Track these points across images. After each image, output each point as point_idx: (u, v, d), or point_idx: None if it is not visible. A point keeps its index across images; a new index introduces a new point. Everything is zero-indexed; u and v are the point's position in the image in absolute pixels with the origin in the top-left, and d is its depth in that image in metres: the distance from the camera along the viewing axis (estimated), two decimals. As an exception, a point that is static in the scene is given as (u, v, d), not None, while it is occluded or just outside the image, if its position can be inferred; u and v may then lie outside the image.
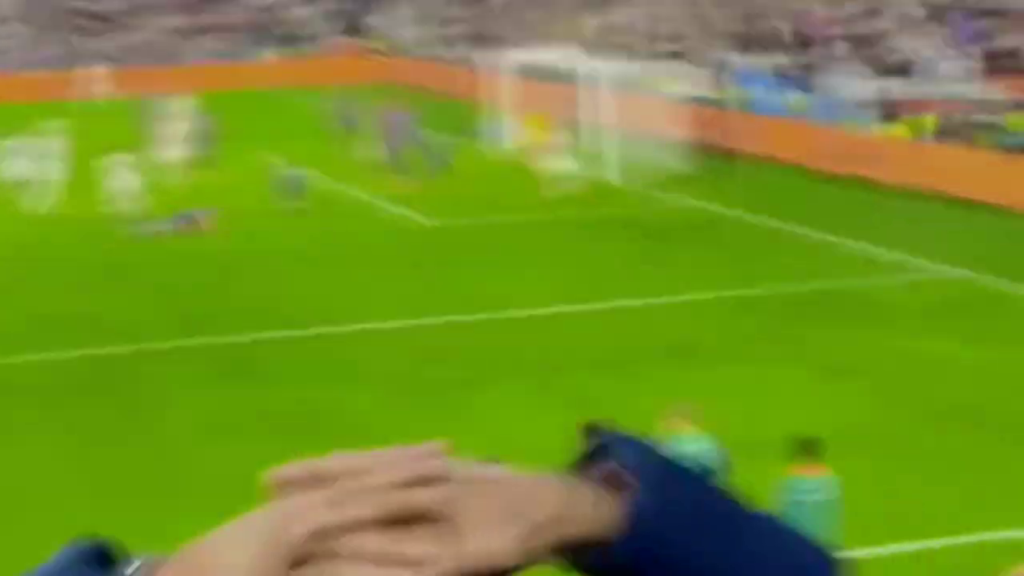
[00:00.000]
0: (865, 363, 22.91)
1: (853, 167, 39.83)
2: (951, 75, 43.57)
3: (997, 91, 41.79)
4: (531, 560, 1.46)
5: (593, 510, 1.48)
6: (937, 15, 48.99)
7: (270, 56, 74.87)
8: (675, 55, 54.08)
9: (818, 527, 13.63)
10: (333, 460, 1.50)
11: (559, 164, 37.90)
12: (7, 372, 24.10)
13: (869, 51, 48.28)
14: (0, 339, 26.05)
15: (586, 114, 45.70)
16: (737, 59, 51.01)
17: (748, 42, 52.90)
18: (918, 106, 41.31)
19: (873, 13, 51.50)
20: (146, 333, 26.06)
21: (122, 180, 36.35)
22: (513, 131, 47.39)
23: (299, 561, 1.41)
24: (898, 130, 40.92)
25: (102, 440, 20.57)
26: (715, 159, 42.08)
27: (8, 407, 22.26)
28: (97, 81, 66.53)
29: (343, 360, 23.97)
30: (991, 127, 38.61)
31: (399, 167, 41.21)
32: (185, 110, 47.30)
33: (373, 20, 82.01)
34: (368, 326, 26.07)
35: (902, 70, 45.31)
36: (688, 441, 15.11)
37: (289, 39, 79.53)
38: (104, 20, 79.64)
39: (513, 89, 49.96)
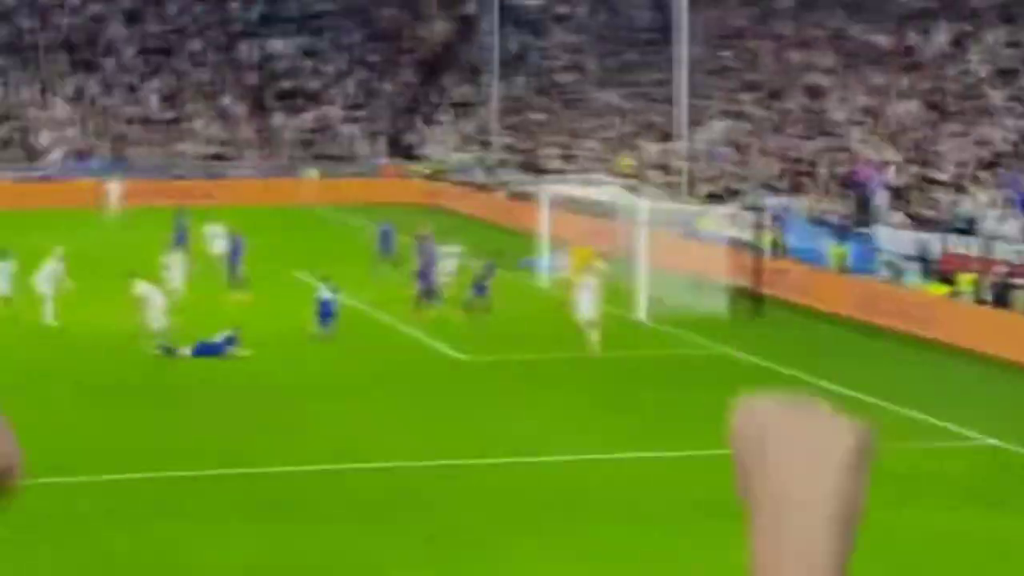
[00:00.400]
0: (881, 534, 22.67)
1: (889, 321, 39.73)
2: (1001, 233, 43.40)
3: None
4: None
5: None
6: (990, 169, 49.00)
7: (312, 174, 75.33)
8: (716, 196, 54.23)
9: None
10: None
11: (584, 312, 37.26)
12: (30, 492, 24.02)
13: (913, 203, 48.29)
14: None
15: (623, 250, 45.81)
16: (778, 203, 51.09)
17: (791, 187, 53.02)
18: (960, 263, 41.25)
19: (923, 164, 51.59)
20: (170, 461, 26.01)
21: (150, 299, 36.29)
22: (552, 263, 47.50)
23: None
24: (936, 287, 40.84)
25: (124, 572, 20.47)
26: (750, 304, 42.00)
27: (24, 530, 22.17)
28: (113, 194, 66.35)
29: (368, 500, 23.84)
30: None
31: (432, 296, 41.23)
32: (217, 232, 47.51)
33: (418, 141, 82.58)
34: (394, 464, 25.97)
35: (949, 224, 45.24)
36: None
37: (333, 158, 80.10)
38: (148, 125, 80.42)
39: (553, 221, 50.15)
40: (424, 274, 41.55)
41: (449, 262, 42.10)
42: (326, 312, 37.39)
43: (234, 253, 44.43)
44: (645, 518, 22.90)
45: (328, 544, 21.57)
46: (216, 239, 47.44)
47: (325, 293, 37.59)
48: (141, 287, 36.33)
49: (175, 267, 41.43)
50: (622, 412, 30.15)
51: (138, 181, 74.32)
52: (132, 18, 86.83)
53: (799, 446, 1.78)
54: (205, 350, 34.93)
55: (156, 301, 36.01)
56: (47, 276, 38.82)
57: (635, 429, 28.73)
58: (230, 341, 35.22)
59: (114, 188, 66.73)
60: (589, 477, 25.29)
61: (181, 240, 49.24)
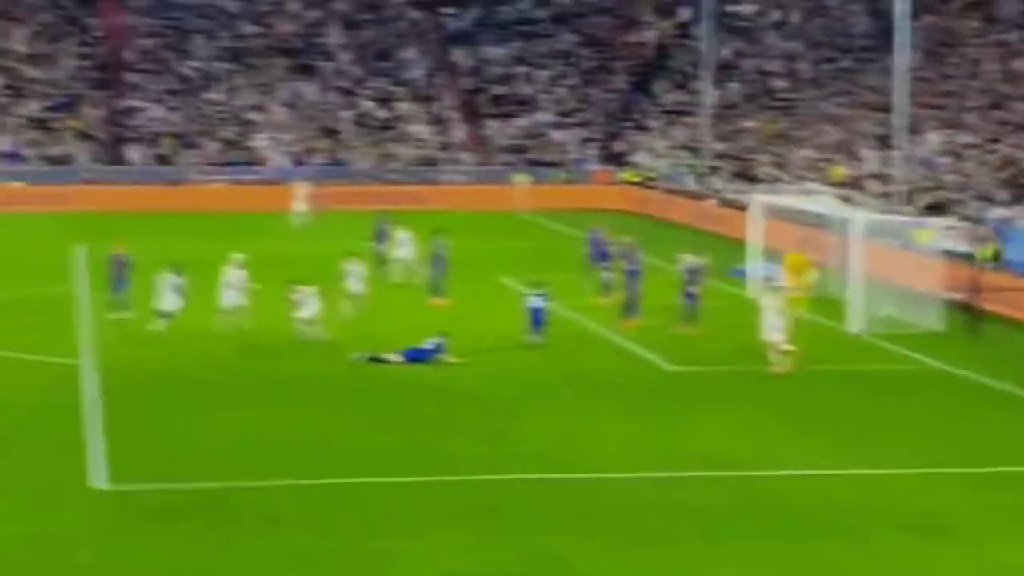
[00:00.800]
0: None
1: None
2: None
3: None
4: None
5: None
6: None
7: (523, 179, 75.51)
8: (934, 208, 53.10)
9: None
10: None
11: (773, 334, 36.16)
12: (233, 496, 24.29)
13: None
14: (226, 462, 26.32)
15: (836, 261, 45.05)
16: (999, 215, 49.85)
17: (1013, 198, 51.69)
18: None
19: None
20: (377, 465, 26.12)
21: (303, 304, 36.66)
22: (765, 272, 46.90)
23: None
24: None
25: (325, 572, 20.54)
26: (967, 319, 40.97)
27: (233, 532, 22.39)
28: (300, 197, 66.32)
29: (576, 510, 23.65)
30: None
31: (632, 306, 40.86)
32: (405, 239, 47.41)
33: (629, 148, 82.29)
34: (602, 475, 25.76)
35: None
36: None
37: (544, 163, 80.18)
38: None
39: (765, 230, 49.50)
40: (629, 284, 41.15)
41: (696, 275, 40.43)
42: (536, 319, 37.34)
43: (436, 258, 44.37)
44: (853, 535, 22.38)
45: (532, 554, 21.42)
46: (403, 245, 47.28)
47: (536, 301, 37.50)
48: (298, 292, 36.68)
49: (354, 273, 40.69)
50: (832, 427, 29.58)
51: (352, 185, 75.35)
52: (349, 24, 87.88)
53: None
54: (415, 356, 35.06)
55: (310, 307, 36.21)
56: (230, 283, 38.20)
57: (845, 444, 28.14)
58: (439, 348, 35.31)
59: (301, 191, 66.65)
60: (797, 493, 24.80)
61: (381, 243, 49.28)
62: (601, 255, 47.03)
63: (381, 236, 49.83)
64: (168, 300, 36.89)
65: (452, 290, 44.10)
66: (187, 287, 37.39)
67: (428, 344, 35.42)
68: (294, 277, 38.68)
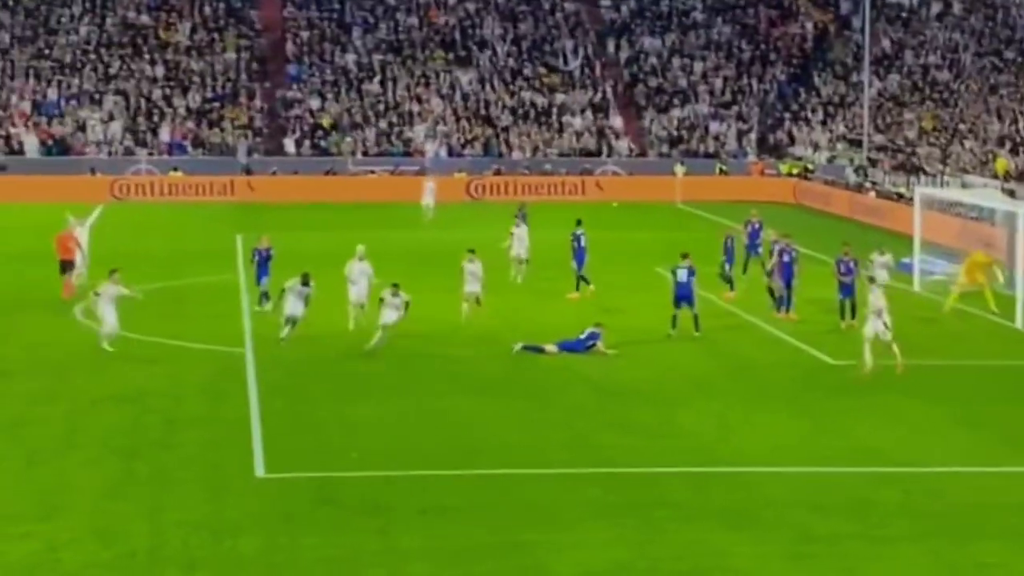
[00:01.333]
0: None
1: None
2: None
3: None
4: None
5: None
6: None
7: (680, 170, 75.17)
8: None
9: None
10: None
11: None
12: (383, 485, 24.41)
13: None
14: (374, 455, 26.44)
15: (1002, 256, 44.26)
16: None
17: None
18: None
19: None
20: (534, 457, 26.08)
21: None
22: (930, 267, 46.20)
23: None
24: None
25: (474, 563, 20.53)
26: None
27: (389, 521, 22.47)
28: (427, 190, 65.17)
29: (735, 504, 23.42)
30: None
31: (779, 300, 40.29)
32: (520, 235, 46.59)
33: (787, 139, 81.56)
34: (762, 469, 25.49)
35: None
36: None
37: (702, 154, 79.76)
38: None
39: (932, 224, 48.76)
40: (783, 276, 40.50)
41: (880, 273, 39.06)
42: (681, 295, 36.82)
43: (579, 251, 43.91)
44: (1017, 535, 21.92)
45: (690, 548, 21.25)
46: (519, 240, 46.30)
47: (681, 274, 36.96)
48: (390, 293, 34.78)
49: (471, 272, 38.76)
50: (998, 424, 29.02)
51: (510, 176, 75.54)
52: (506, 16, 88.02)
53: None
54: (571, 347, 35.02)
55: (391, 313, 34.48)
56: (356, 275, 37.01)
57: (1011, 442, 27.59)
58: (593, 337, 35.22)
59: (428, 185, 65.78)
60: (961, 490, 24.35)
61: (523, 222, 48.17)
62: (758, 246, 46.61)
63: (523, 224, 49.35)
64: (293, 306, 35.11)
65: (607, 280, 43.95)
66: (313, 295, 35.45)
67: (583, 335, 35.35)
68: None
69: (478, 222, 59.19)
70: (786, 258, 40.63)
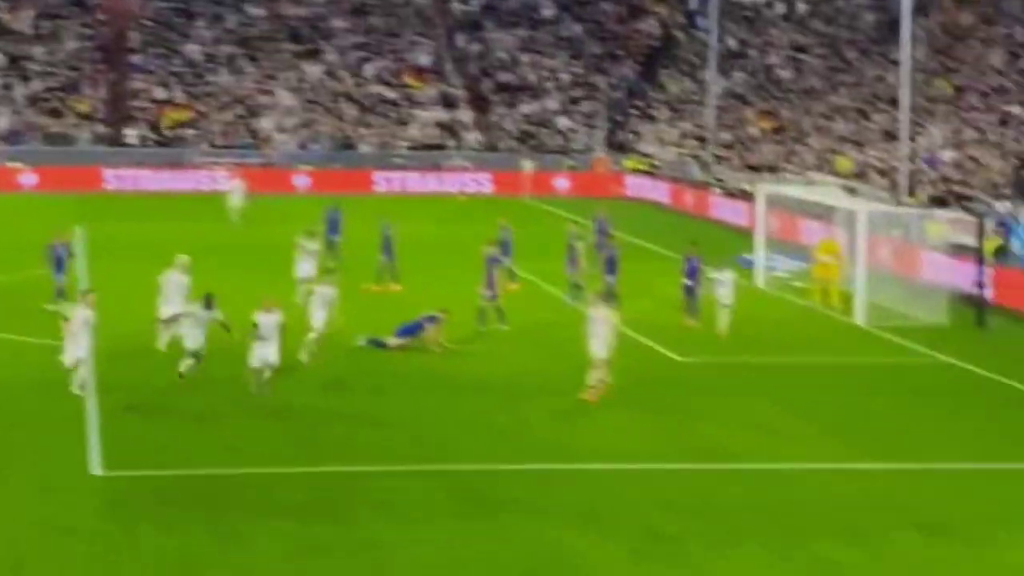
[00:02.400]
0: None
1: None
2: None
3: None
4: None
5: None
6: None
7: (528, 166, 75.27)
8: (939, 200, 52.83)
9: None
10: None
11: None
12: (225, 483, 24.11)
13: None
14: (215, 451, 26.10)
15: (843, 253, 44.80)
16: (1005, 208, 49.58)
17: (1019, 192, 51.41)
18: None
19: None
20: (377, 454, 25.88)
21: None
22: (772, 262, 46.68)
23: None
24: None
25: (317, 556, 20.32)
26: (973, 312, 40.71)
27: (227, 521, 22.17)
28: (233, 184, 62.27)
29: (581, 502, 23.38)
30: None
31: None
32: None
33: (634, 136, 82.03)
34: (608, 466, 25.50)
35: None
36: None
37: (550, 151, 79.92)
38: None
39: (771, 221, 49.26)
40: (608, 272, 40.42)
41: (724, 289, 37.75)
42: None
43: (386, 245, 43.47)
44: (857, 532, 22.12)
45: (532, 546, 21.17)
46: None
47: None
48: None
49: (307, 256, 39.05)
50: (838, 420, 29.32)
51: (358, 169, 75.16)
52: (355, 9, 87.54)
53: None
54: (405, 331, 34.74)
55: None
56: (164, 290, 33.55)
57: (851, 438, 27.89)
58: (431, 320, 34.92)
59: (236, 182, 62.19)
60: (803, 487, 24.54)
61: (334, 232, 47.27)
62: (604, 242, 46.78)
63: (333, 224, 47.64)
64: (193, 337, 30.10)
65: (452, 276, 43.83)
66: (218, 320, 30.94)
67: (419, 318, 35.07)
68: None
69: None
70: (609, 253, 40.90)
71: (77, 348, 28.94)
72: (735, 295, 37.39)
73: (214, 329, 30.45)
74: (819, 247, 44.17)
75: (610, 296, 37.91)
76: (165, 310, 33.37)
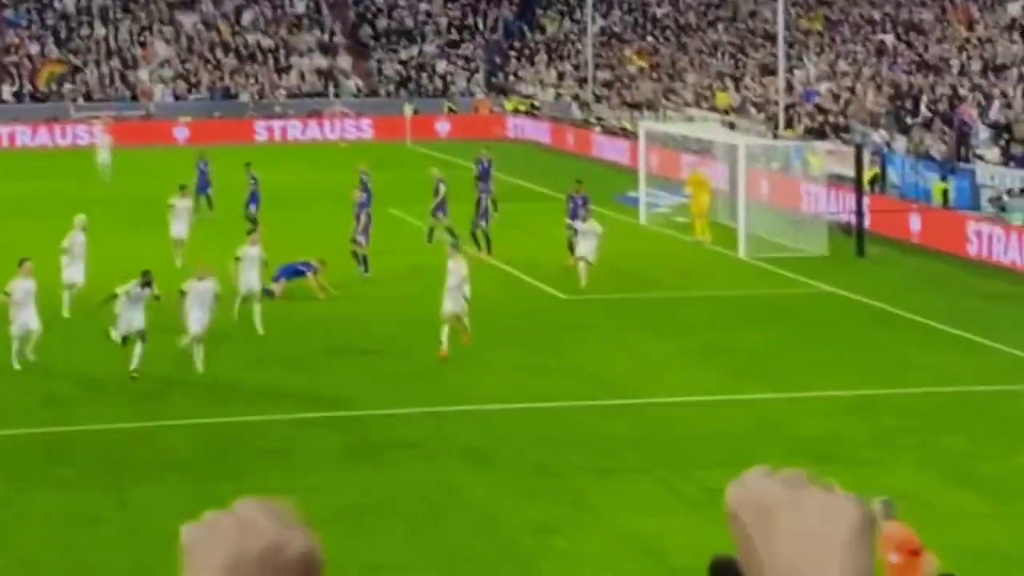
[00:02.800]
0: (992, 481, 22.18)
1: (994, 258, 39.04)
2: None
3: None
4: None
5: None
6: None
7: (408, 110, 75.16)
8: (816, 131, 53.47)
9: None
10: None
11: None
12: (116, 438, 24.10)
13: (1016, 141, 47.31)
14: (106, 407, 26.06)
15: (721, 187, 45.31)
16: (880, 139, 50.29)
17: (897, 123, 52.11)
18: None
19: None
20: (267, 404, 25.96)
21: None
22: (653, 199, 47.09)
23: None
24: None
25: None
26: (852, 242, 41.34)
27: (119, 478, 22.21)
28: (100, 137, 61.06)
29: (468, 442, 23.66)
30: None
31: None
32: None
33: (513, 78, 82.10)
34: (494, 406, 25.76)
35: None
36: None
37: (429, 95, 79.83)
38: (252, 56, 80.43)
39: (652, 158, 49.66)
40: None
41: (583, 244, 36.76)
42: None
43: (253, 195, 42.95)
44: (743, 460, 22.37)
45: (423, 487, 21.39)
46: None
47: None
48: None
49: (180, 214, 38.16)
50: (723, 352, 29.77)
51: (236, 119, 74.70)
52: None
53: (805, 525, 1.88)
54: (285, 272, 34.54)
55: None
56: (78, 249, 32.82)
57: (736, 370, 28.35)
58: (306, 266, 34.90)
59: (104, 138, 60.82)
60: (689, 420, 24.96)
61: (204, 187, 46.60)
62: (484, 185, 46.87)
63: (202, 179, 46.94)
64: (129, 318, 27.38)
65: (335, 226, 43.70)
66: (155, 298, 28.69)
67: (298, 261, 34.98)
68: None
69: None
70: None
71: (27, 319, 27.78)
72: (597, 250, 35.61)
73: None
74: (688, 181, 44.59)
75: (472, 240, 38.18)
76: (70, 272, 32.31)
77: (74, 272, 32.38)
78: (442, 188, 41.73)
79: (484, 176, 47.00)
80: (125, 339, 27.14)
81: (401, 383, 27.37)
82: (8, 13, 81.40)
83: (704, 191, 43.15)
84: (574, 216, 38.74)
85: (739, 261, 40.15)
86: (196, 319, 27.37)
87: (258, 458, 22.86)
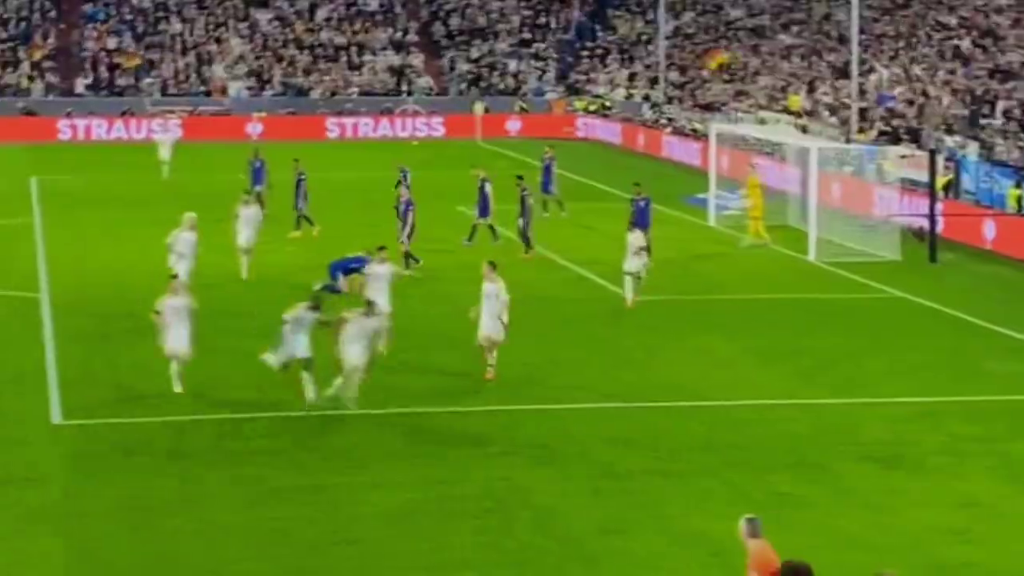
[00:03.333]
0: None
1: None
2: None
3: None
4: None
5: None
6: None
7: (479, 108, 75.21)
8: (887, 135, 53.09)
9: None
10: None
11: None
12: (185, 430, 24.22)
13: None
14: (175, 399, 26.17)
15: (794, 190, 45.09)
16: (955, 144, 49.88)
17: (971, 128, 51.67)
18: None
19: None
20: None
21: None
22: (723, 201, 46.88)
23: None
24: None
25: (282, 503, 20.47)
26: (925, 248, 41.00)
27: (187, 468, 22.32)
28: (162, 136, 60.64)
29: (537, 441, 23.60)
30: None
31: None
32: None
33: (585, 78, 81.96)
34: (562, 406, 25.71)
35: None
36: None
37: (501, 93, 79.82)
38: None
39: (724, 160, 49.46)
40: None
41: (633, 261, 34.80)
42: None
43: (298, 188, 42.64)
44: (813, 465, 22.41)
45: (490, 485, 21.33)
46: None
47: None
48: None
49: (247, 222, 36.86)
50: (791, 355, 29.60)
51: (311, 115, 74.98)
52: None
53: None
54: (340, 267, 34.28)
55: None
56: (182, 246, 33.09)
57: (805, 374, 28.19)
58: (359, 261, 34.17)
59: (168, 135, 60.95)
60: (758, 423, 24.80)
61: (258, 181, 45.81)
62: (551, 184, 46.85)
63: (257, 174, 46.12)
64: (294, 343, 25.23)
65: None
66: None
67: (351, 256, 34.41)
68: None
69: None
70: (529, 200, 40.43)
71: (179, 337, 25.94)
72: (646, 265, 34.31)
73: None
74: (747, 183, 44.35)
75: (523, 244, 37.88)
76: (180, 266, 32.14)
77: (180, 270, 31.72)
78: (487, 188, 41.20)
79: (544, 173, 46.89)
80: (285, 366, 25.23)
81: (468, 380, 27.33)
82: (87, 7, 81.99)
83: (758, 194, 42.90)
84: (640, 223, 37.55)
85: (809, 264, 39.93)
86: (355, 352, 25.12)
87: (322, 454, 22.89)
